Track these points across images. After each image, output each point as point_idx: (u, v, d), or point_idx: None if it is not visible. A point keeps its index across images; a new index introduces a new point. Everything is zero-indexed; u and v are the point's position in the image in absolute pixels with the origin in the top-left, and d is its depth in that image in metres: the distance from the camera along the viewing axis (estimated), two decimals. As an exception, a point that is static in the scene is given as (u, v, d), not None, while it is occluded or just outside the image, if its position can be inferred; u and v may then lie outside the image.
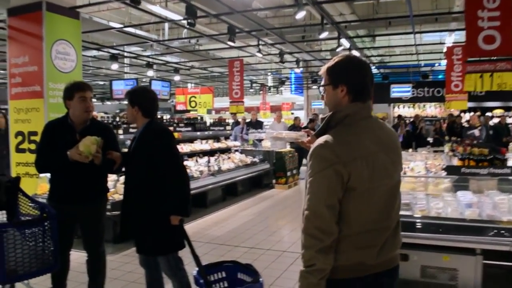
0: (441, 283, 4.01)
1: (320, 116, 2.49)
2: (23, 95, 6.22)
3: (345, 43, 10.21)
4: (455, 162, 5.78)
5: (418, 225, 3.91)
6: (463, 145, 6.56)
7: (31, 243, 3.03)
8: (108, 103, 28.33)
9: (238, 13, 7.11)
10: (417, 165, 7.43)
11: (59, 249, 3.09)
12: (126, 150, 3.68)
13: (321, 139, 1.80)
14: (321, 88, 1.95)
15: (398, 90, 14.97)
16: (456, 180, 5.04)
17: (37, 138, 5.68)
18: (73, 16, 6.42)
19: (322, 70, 1.95)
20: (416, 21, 9.91)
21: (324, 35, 8.23)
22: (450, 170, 5.21)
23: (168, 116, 18.53)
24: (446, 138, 12.97)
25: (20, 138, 6.27)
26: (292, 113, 23.88)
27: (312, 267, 1.72)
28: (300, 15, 6.78)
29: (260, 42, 9.43)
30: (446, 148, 8.29)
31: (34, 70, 6.10)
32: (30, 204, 3.33)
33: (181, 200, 3.18)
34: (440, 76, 20.05)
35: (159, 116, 10.34)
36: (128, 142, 4.75)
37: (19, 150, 6.28)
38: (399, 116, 13.90)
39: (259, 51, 9.40)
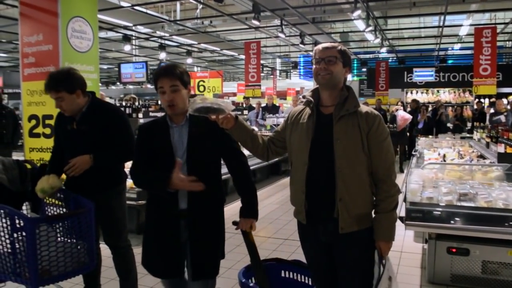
0: (504, 280, 3.68)
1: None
2: (37, 76, 5.81)
3: (359, 25, 9.75)
4: (500, 149, 5.41)
5: (482, 217, 3.57)
6: (499, 131, 6.21)
7: (64, 239, 2.69)
8: (113, 87, 27.88)
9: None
10: (447, 152, 7.09)
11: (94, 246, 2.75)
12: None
13: (372, 109, 2.26)
14: (329, 58, 2.19)
15: (420, 75, 14.44)
16: (508, 169, 4.68)
17: (52, 122, 5.28)
18: (89, -9, 5.98)
19: (331, 46, 2.23)
20: (441, 2, 9.49)
21: (357, 13, 7.79)
22: (502, 157, 4.85)
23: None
24: (468, 124, 12.65)
25: (34, 122, 5.88)
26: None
27: (396, 207, 2.22)
28: None
29: (281, 23, 8.98)
30: (478, 134, 7.93)
31: (49, 49, 5.68)
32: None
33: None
34: (450, 61, 19.59)
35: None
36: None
37: (32, 135, 5.90)
38: (414, 101, 13.47)
39: (282, 31, 8.96)
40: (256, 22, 7.73)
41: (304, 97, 2.38)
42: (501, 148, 5.24)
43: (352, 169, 2.16)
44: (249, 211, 2.53)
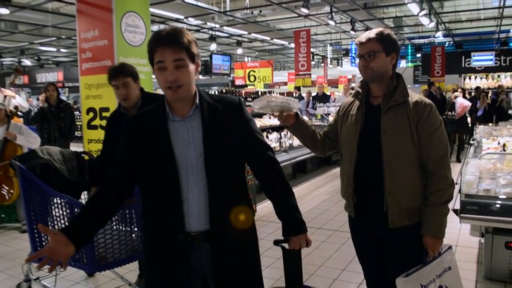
0: None
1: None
2: (94, 70, 6.07)
3: (413, 8, 9.38)
4: None
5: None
6: None
7: (120, 228, 2.81)
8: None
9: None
10: (508, 141, 6.73)
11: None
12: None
13: (423, 97, 2.17)
14: (368, 54, 2.10)
15: (479, 59, 13.74)
16: None
17: (108, 114, 5.52)
18: (141, -14, 6.14)
19: (368, 39, 2.11)
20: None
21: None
22: None
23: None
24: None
25: (91, 114, 6.16)
26: (352, 88, 23.02)
27: (448, 202, 2.10)
28: None
29: (330, 10, 8.84)
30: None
31: (105, 44, 5.90)
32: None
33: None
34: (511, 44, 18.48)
35: (220, 91, 9.99)
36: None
37: (90, 127, 6.18)
38: (477, 88, 12.82)
39: (332, 18, 8.82)
40: (305, 10, 7.65)
41: (353, 88, 2.32)
42: None
43: (401, 161, 2.08)
44: (299, 224, 1.90)
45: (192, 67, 1.72)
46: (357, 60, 2.19)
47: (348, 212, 2.32)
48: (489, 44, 16.62)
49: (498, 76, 17.31)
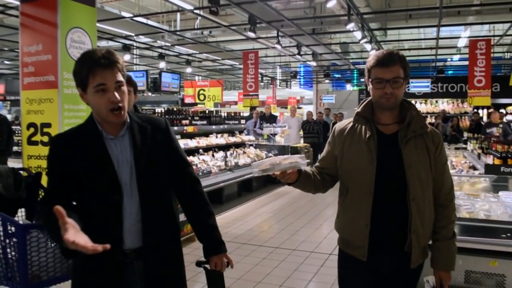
0: (486, 290, 3.74)
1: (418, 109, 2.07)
2: (36, 85, 5.93)
3: (358, 35, 9.90)
4: (488, 160, 5.49)
5: (465, 228, 3.65)
6: (490, 142, 6.29)
7: (54, 245, 2.78)
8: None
9: (260, 2, 6.82)
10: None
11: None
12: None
13: (431, 126, 2.03)
14: (395, 80, 1.90)
15: (417, 85, 14.57)
16: (495, 180, 4.77)
17: (50, 130, 5.40)
18: (88, 3, 6.12)
19: (394, 61, 1.89)
20: (436, 14, 9.60)
21: (350, 26, 7.95)
22: (488, 169, 4.93)
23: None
24: (466, 135, 12.71)
25: (32, 129, 5.99)
26: (300, 108, 23.59)
27: (455, 234, 2.06)
28: (331, 3, 6.66)
29: (277, 34, 9.14)
30: (471, 145, 8.01)
31: (48, 59, 5.80)
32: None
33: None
34: (450, 72, 19.70)
35: (167, 109, 10.02)
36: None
37: (31, 143, 6.00)
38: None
39: (278, 42, 9.11)
40: (251, 34, 7.87)
41: (357, 114, 2.05)
42: (489, 160, 5.32)
43: (424, 197, 1.93)
44: (218, 244, 1.94)
45: (126, 88, 1.77)
46: (370, 86, 1.97)
47: (354, 254, 2.01)
48: (427, 71, 17.60)
49: (436, 101, 18.38)
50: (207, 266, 1.95)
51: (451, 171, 6.14)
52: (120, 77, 1.72)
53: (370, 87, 1.98)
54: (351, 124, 2.06)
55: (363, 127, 1.99)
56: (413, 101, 17.31)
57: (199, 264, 1.98)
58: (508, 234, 3.43)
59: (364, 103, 2.06)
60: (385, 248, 1.95)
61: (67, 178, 1.74)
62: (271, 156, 9.47)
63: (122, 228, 1.72)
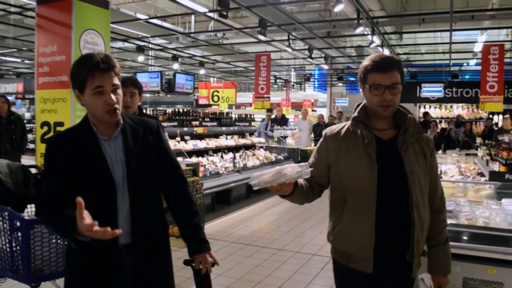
0: (484, 297, 3.75)
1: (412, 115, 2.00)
2: (51, 85, 6.10)
3: (376, 40, 9.92)
4: (495, 167, 5.48)
5: (464, 235, 3.67)
6: (500, 149, 6.25)
7: (58, 240, 2.89)
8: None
9: (270, 6, 6.91)
10: (449, 168, 7.14)
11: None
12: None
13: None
14: (393, 86, 1.84)
15: (429, 90, 14.47)
16: (499, 187, 4.76)
17: (63, 129, 5.54)
18: (102, 5, 6.27)
19: (392, 67, 1.83)
20: (449, 19, 9.55)
21: (359, 30, 7.98)
22: (493, 176, 4.93)
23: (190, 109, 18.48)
24: (478, 141, 12.60)
25: (46, 128, 6.16)
26: (314, 110, 23.58)
27: (448, 239, 2.10)
28: (338, 7, 6.69)
29: (290, 37, 9.21)
30: (481, 152, 7.95)
31: (62, 59, 5.97)
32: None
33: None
34: (466, 77, 19.50)
35: (178, 110, 10.19)
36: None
37: (44, 141, 6.19)
38: (425, 114, 13.49)
39: (289, 45, 9.18)
40: (262, 37, 7.95)
41: (355, 119, 1.96)
42: (495, 166, 5.31)
43: (424, 203, 1.89)
44: (201, 243, 2.02)
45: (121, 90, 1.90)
46: (366, 90, 1.89)
47: (359, 268, 1.91)
48: (440, 76, 17.46)
49: (451, 106, 18.20)
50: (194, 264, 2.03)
51: (459, 177, 6.15)
52: (117, 81, 1.84)
53: (365, 92, 1.91)
54: (345, 129, 1.97)
55: (360, 132, 1.91)
56: (427, 106, 17.37)
57: (186, 262, 2.05)
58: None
59: (360, 108, 1.98)
60: (388, 258, 1.88)
61: (66, 177, 1.83)
62: (280, 158, 9.54)
63: (117, 225, 1.81)
